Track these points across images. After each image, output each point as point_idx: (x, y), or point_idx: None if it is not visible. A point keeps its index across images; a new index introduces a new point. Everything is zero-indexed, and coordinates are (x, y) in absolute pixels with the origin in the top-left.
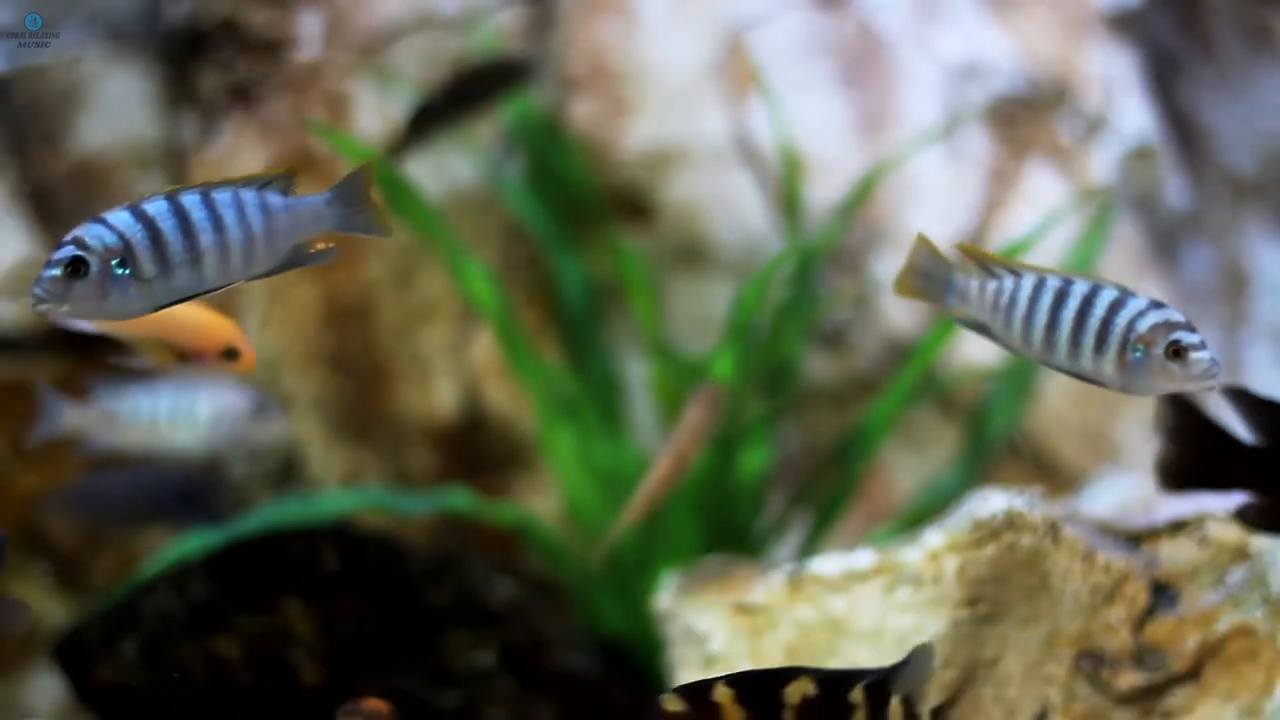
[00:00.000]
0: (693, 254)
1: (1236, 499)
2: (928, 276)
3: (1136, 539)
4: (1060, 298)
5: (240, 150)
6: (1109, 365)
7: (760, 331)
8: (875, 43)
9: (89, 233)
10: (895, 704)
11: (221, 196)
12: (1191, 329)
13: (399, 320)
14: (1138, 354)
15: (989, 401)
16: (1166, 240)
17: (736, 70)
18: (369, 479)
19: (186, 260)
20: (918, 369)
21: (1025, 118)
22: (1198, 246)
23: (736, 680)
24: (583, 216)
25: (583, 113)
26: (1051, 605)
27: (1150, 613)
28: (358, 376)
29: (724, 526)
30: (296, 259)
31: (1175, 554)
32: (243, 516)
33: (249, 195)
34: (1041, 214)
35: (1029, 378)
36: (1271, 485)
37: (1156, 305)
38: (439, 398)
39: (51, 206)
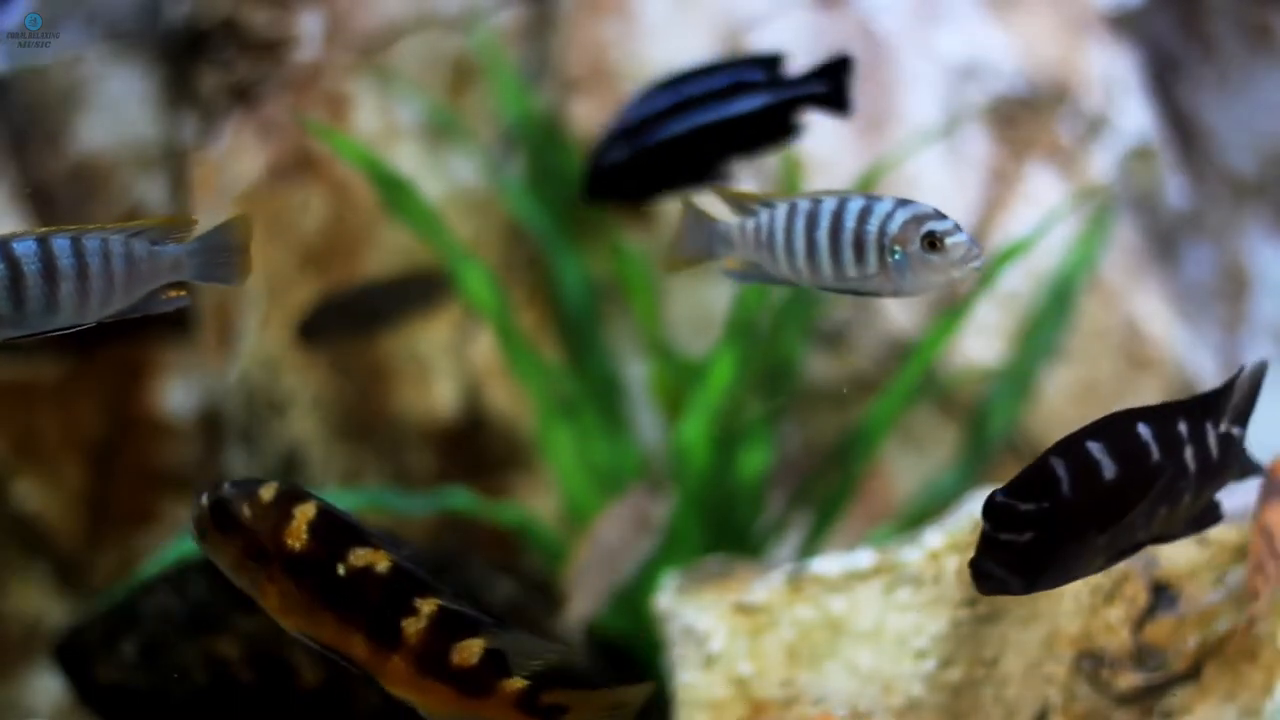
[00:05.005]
0: None
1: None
2: (693, 236)
3: None
4: (812, 220)
5: (240, 150)
6: (874, 274)
7: (760, 331)
8: (875, 43)
9: None
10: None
11: (90, 244)
12: (942, 217)
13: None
14: (896, 256)
15: (989, 401)
16: (1166, 240)
17: None
18: (369, 479)
19: (42, 304)
20: (918, 369)
21: (1025, 118)
22: (1198, 246)
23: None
24: (583, 216)
25: (583, 113)
26: (1051, 605)
27: (1150, 613)
28: (358, 376)
29: (724, 526)
30: (148, 304)
31: (1175, 554)
32: None
33: (115, 243)
34: (1042, 214)
35: (1029, 377)
36: None
37: (903, 203)
38: (439, 398)
39: (51, 206)
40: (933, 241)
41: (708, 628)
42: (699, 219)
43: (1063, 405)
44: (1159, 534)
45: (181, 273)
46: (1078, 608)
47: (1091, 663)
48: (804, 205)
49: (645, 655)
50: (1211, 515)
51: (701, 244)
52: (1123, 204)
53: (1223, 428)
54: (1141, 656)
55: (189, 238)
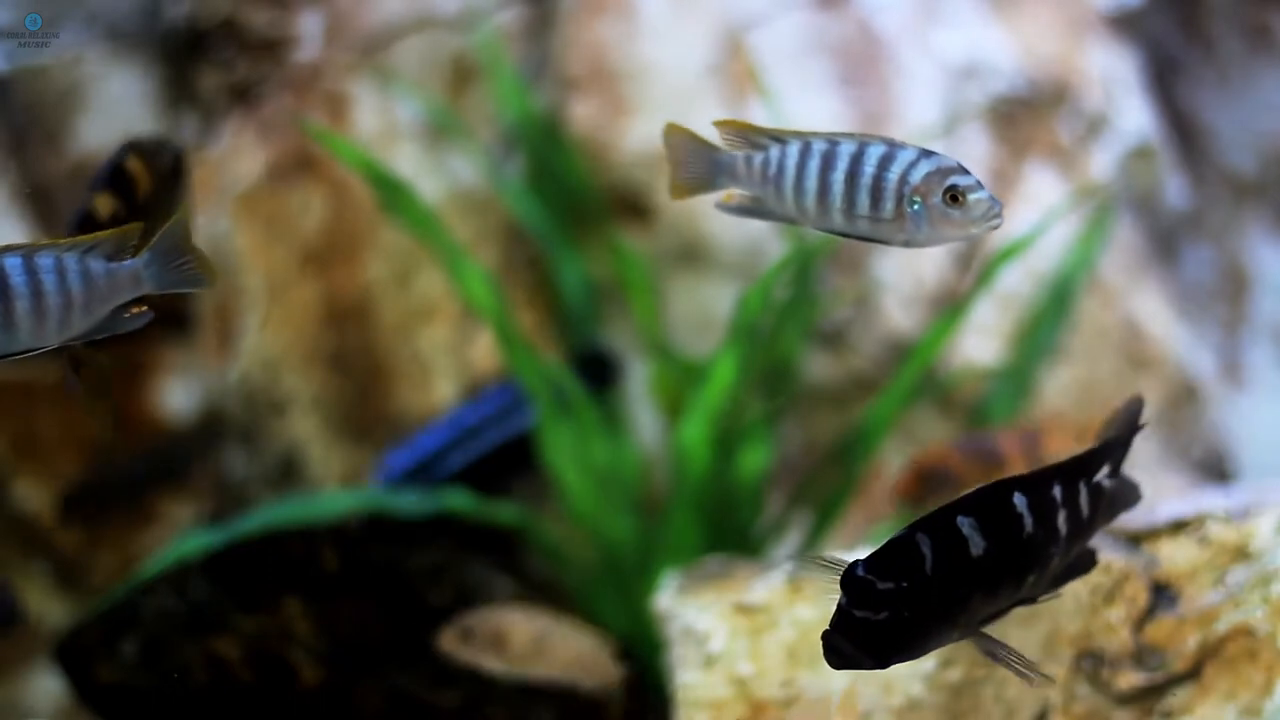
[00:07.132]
0: (693, 254)
1: (1241, 497)
2: (693, 164)
3: (1136, 539)
4: (829, 160)
5: (240, 150)
6: (887, 222)
7: (760, 331)
8: (875, 43)
9: None
10: None
11: (44, 261)
12: (965, 172)
13: (399, 320)
14: (915, 206)
15: (989, 401)
16: (1166, 240)
17: (736, 70)
18: (369, 479)
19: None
20: (917, 369)
21: (1025, 118)
22: (1198, 246)
23: None
24: (583, 216)
25: (583, 113)
26: (1051, 605)
27: (1150, 613)
28: (358, 376)
29: (724, 526)
30: (113, 324)
31: (1175, 554)
32: (243, 516)
33: (70, 260)
34: (1042, 214)
35: (1028, 377)
36: None
37: (927, 154)
38: (439, 398)
39: (51, 206)
40: (955, 195)
41: (708, 628)
42: (696, 145)
43: (1063, 405)
44: (1024, 598)
45: (142, 287)
46: (1078, 608)
47: (1091, 663)
48: (820, 145)
49: (645, 655)
50: (1083, 565)
51: (702, 172)
52: (1123, 204)
53: (1095, 479)
54: (1141, 656)
55: (142, 250)
